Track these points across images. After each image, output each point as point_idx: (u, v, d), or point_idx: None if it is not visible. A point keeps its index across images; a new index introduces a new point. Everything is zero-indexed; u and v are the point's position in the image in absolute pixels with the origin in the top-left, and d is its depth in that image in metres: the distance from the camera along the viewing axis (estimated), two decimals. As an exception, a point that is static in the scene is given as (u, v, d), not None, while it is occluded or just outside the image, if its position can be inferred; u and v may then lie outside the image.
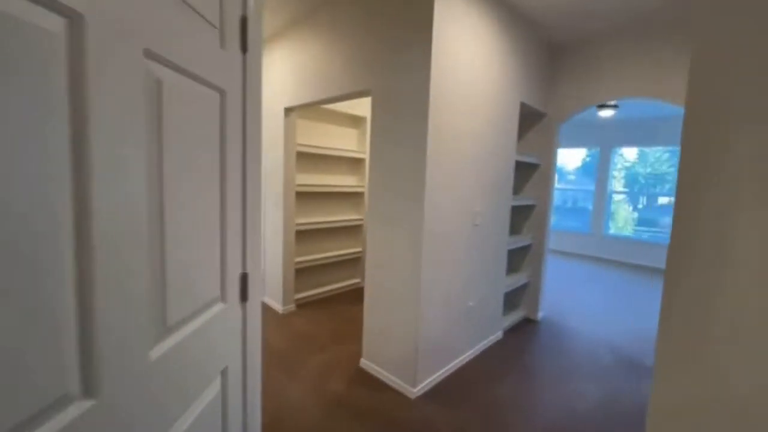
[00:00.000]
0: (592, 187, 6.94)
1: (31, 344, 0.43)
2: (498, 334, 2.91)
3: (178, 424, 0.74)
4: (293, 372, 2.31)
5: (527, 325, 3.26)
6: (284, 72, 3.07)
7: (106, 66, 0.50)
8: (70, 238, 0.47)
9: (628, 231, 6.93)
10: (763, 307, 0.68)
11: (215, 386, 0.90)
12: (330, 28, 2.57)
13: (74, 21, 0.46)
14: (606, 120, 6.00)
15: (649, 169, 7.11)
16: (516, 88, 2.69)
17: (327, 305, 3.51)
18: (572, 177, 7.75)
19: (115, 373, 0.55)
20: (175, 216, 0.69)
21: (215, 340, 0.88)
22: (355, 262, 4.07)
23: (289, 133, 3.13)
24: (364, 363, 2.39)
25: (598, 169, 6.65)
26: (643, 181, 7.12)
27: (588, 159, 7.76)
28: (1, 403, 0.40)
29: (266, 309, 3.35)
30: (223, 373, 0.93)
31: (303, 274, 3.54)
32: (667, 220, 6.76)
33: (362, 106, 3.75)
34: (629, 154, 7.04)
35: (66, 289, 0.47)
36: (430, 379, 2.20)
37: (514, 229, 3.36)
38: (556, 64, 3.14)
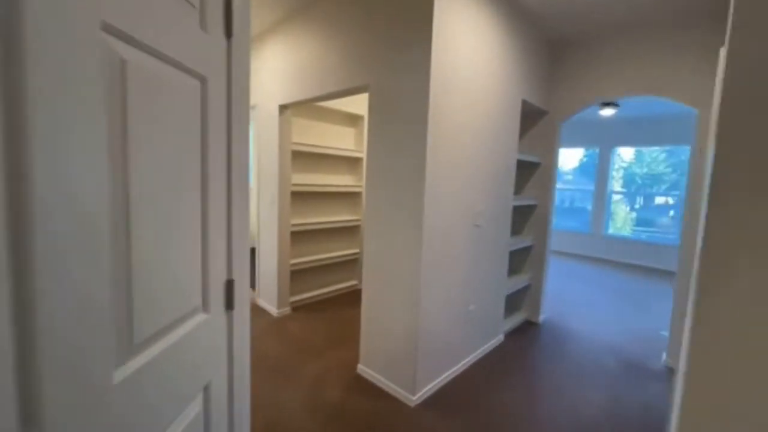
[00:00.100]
0: (589, 187, 6.89)
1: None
2: (499, 338, 2.84)
3: (151, 453, 0.65)
4: (287, 379, 2.23)
5: (528, 328, 3.18)
6: (278, 68, 2.98)
7: (47, 35, 0.41)
8: (2, 244, 0.39)
9: (627, 231, 6.89)
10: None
11: (196, 404, 0.81)
12: (326, 23, 2.49)
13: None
14: (606, 119, 5.95)
15: (645, 169, 7.09)
16: (517, 85, 2.62)
17: (323, 308, 3.43)
18: (569, 177, 7.71)
19: (65, 402, 0.46)
20: (145, 216, 0.61)
21: (196, 354, 0.79)
22: (352, 264, 3.98)
23: (284, 131, 3.04)
24: (362, 369, 2.30)
25: (598, 169, 6.60)
26: (639, 181, 7.09)
27: (585, 159, 7.73)
28: None
29: (260, 312, 3.26)
30: (206, 389, 0.85)
31: (299, 276, 3.45)
32: (664, 220, 6.75)
33: (359, 105, 3.67)
34: (626, 154, 7.01)
35: (-4, 306, 0.38)
36: (430, 386, 2.12)
37: (515, 229, 3.29)
38: (558, 61, 3.07)
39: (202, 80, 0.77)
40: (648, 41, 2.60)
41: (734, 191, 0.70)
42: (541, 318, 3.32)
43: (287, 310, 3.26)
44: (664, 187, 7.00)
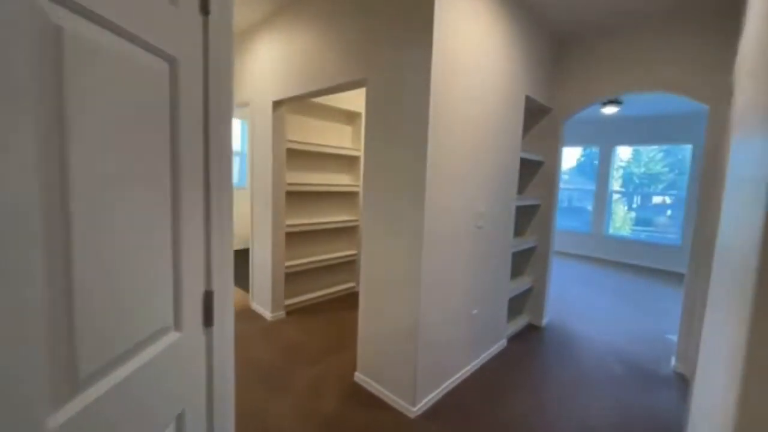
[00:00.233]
0: (587, 187, 6.80)
1: None
2: (502, 342, 2.74)
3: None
4: (280, 388, 2.11)
5: (532, 331, 3.08)
6: (272, 63, 2.86)
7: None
8: None
9: (626, 231, 6.83)
10: None
11: (167, 438, 0.70)
12: (322, 14, 2.37)
13: None
14: (606, 118, 5.87)
15: (643, 169, 7.05)
16: (521, 80, 2.51)
17: (319, 312, 3.31)
18: (566, 176, 7.63)
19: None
20: (91, 219, 0.50)
21: (165, 380, 0.68)
22: (349, 266, 3.87)
23: (278, 128, 2.93)
24: (359, 377, 2.19)
25: (598, 168, 6.51)
26: (637, 181, 7.05)
27: (582, 159, 7.66)
28: None
29: (253, 316, 3.14)
30: (179, 419, 0.74)
31: (294, 278, 3.33)
32: (662, 220, 6.69)
33: (357, 101, 3.56)
34: (623, 153, 6.95)
35: None
36: (431, 396, 2.01)
37: (518, 230, 3.19)
38: (563, 57, 2.98)
39: (171, 61, 0.66)
40: (656, 36, 2.50)
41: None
42: (545, 321, 3.22)
43: (281, 314, 3.14)
44: (661, 186, 6.96)
